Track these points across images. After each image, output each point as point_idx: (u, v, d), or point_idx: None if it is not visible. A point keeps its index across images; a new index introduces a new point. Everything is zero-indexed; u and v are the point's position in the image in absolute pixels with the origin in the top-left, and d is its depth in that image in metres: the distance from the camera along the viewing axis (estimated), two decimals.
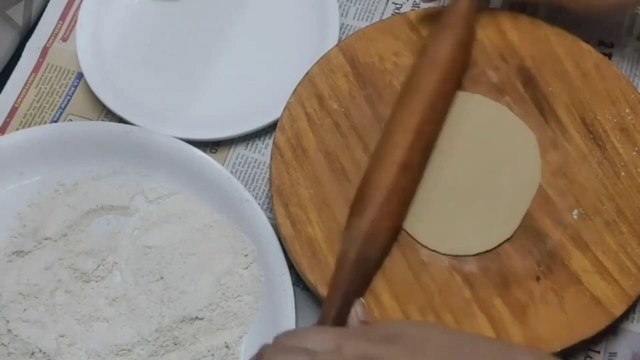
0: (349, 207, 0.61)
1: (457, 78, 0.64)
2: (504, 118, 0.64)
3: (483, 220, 0.61)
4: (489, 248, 0.60)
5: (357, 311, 0.56)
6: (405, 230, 0.60)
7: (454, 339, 0.49)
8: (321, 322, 0.56)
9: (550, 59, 0.66)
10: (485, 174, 0.62)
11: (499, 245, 0.60)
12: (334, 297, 0.56)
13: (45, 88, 0.72)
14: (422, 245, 0.60)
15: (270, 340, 0.58)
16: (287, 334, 0.51)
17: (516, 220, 0.60)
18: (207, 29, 0.73)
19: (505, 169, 0.62)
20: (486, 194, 0.61)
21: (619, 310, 0.58)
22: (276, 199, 0.61)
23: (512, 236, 0.60)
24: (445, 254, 0.60)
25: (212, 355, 0.60)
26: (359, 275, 0.57)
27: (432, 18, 0.67)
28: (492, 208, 0.61)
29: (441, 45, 0.63)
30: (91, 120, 0.70)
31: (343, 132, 0.64)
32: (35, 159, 0.66)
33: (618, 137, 0.63)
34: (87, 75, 0.69)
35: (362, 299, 0.57)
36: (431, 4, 0.67)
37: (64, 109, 0.71)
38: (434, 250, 0.60)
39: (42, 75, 0.73)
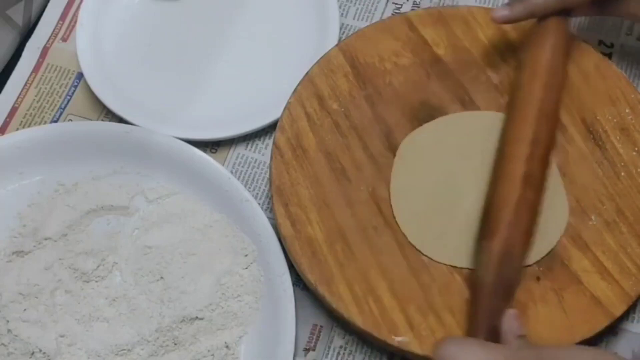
0: (349, 207, 0.61)
1: (560, 85, 0.62)
2: None
3: None
4: None
5: (511, 326, 0.52)
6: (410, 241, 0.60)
7: None
8: None
9: None
10: None
11: None
12: (478, 325, 0.54)
13: (45, 88, 0.72)
14: (425, 255, 0.60)
15: (269, 342, 0.58)
16: (452, 343, 0.48)
17: (538, 253, 0.59)
18: (207, 29, 0.73)
19: None
20: None
21: (619, 310, 0.58)
22: (276, 199, 0.61)
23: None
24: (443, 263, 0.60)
25: (212, 355, 0.60)
26: (499, 298, 0.55)
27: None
28: None
29: (541, 55, 0.61)
30: (91, 120, 0.70)
31: (343, 132, 0.64)
32: (35, 159, 0.66)
33: (618, 137, 0.63)
34: (87, 75, 0.69)
35: (513, 310, 0.53)
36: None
37: (64, 109, 0.71)
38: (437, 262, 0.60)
39: (42, 75, 0.73)
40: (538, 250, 0.59)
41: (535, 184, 0.58)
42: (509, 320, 0.52)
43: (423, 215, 0.61)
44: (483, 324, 0.54)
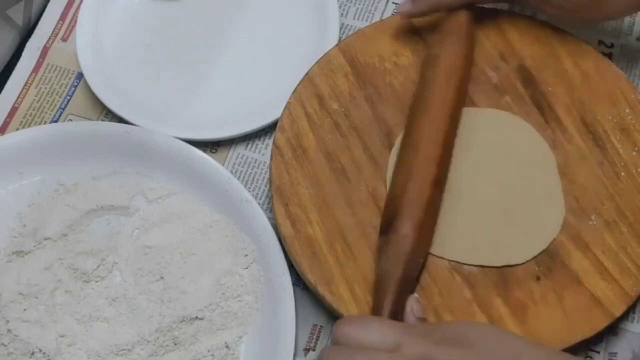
0: (349, 207, 0.61)
1: (466, 89, 0.64)
2: (523, 135, 0.63)
3: (499, 238, 0.60)
4: (495, 265, 0.60)
5: (413, 307, 0.54)
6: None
7: (518, 348, 0.47)
8: None
9: (550, 59, 0.66)
10: (506, 196, 0.61)
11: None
12: (382, 309, 0.55)
13: (45, 88, 0.72)
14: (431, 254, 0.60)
15: (269, 342, 0.58)
16: (348, 321, 0.49)
17: (534, 249, 0.60)
18: (207, 29, 0.73)
19: (527, 192, 0.61)
20: (506, 215, 0.61)
21: (619, 310, 0.58)
22: (276, 199, 0.61)
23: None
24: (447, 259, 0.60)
25: (212, 355, 0.60)
26: (405, 288, 0.56)
27: (430, 26, 0.66)
28: (510, 229, 0.60)
29: (454, 58, 0.63)
30: (91, 120, 0.70)
31: (343, 132, 0.64)
32: (35, 159, 0.66)
33: (618, 137, 0.63)
34: (87, 75, 0.69)
35: (415, 295, 0.56)
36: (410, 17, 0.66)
37: (64, 109, 0.71)
38: (438, 257, 0.60)
39: (42, 75, 0.73)
40: (534, 247, 0.60)
41: (442, 185, 0.60)
42: (411, 303, 0.55)
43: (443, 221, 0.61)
44: (387, 309, 0.55)
